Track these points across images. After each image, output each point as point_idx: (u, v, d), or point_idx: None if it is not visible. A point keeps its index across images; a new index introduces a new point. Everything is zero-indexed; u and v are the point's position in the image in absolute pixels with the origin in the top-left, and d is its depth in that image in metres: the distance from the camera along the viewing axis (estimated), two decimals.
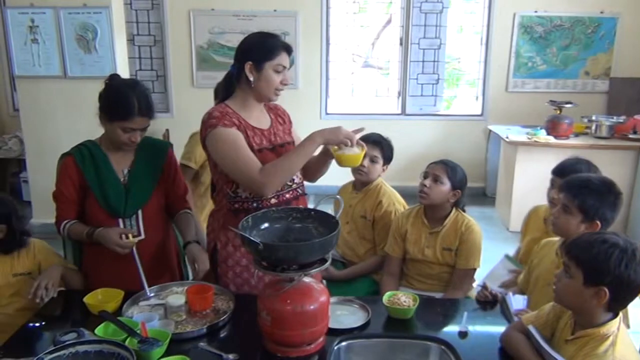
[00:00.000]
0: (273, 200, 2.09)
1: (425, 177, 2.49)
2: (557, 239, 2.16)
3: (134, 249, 2.10)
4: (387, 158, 2.80)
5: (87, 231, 2.13)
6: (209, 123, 2.03)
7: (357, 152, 1.99)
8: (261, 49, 2.05)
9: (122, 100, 2.08)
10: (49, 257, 2.28)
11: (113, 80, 2.18)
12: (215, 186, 2.24)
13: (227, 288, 2.12)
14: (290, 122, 2.29)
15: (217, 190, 2.21)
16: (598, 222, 1.94)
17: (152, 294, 2.07)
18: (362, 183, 2.82)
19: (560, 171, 2.49)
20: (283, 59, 2.07)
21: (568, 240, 2.04)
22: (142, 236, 2.21)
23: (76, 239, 2.24)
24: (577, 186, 1.99)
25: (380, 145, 2.77)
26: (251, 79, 2.05)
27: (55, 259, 2.29)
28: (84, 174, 2.17)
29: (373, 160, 2.75)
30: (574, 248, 1.59)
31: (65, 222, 2.18)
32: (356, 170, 2.75)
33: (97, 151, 2.21)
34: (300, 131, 2.27)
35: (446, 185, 2.45)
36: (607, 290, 1.50)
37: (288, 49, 2.10)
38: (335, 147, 2.01)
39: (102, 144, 2.24)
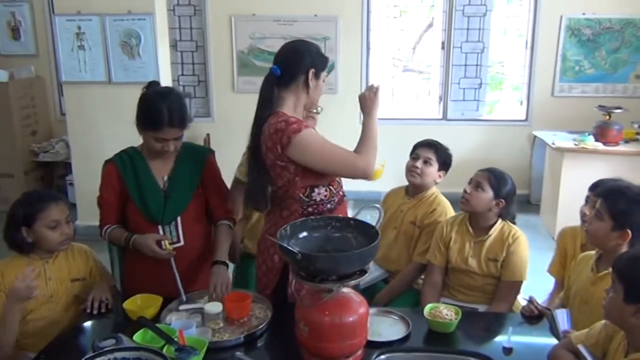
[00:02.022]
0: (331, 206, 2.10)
1: (469, 184, 2.44)
2: (593, 252, 2.06)
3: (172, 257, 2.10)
4: (443, 163, 2.68)
5: (126, 237, 2.15)
6: (290, 129, 1.95)
7: None
8: (322, 58, 2.11)
9: (153, 111, 2.08)
10: (100, 266, 2.32)
11: (149, 89, 2.20)
12: (276, 195, 2.11)
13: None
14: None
15: (283, 198, 2.07)
16: (629, 231, 1.85)
17: (189, 301, 2.07)
18: (415, 188, 2.71)
19: (597, 188, 2.39)
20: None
21: (599, 250, 1.96)
22: (182, 243, 2.22)
23: (116, 244, 2.26)
24: (609, 190, 1.93)
25: (434, 148, 2.67)
26: (311, 85, 2.07)
27: (105, 271, 2.33)
28: (124, 181, 2.19)
29: (426, 162, 2.65)
30: (618, 261, 1.53)
31: (107, 227, 2.21)
32: (409, 172, 2.67)
33: (138, 158, 2.23)
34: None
35: (487, 194, 2.37)
36: None
37: None
38: None
39: (143, 150, 2.25)
